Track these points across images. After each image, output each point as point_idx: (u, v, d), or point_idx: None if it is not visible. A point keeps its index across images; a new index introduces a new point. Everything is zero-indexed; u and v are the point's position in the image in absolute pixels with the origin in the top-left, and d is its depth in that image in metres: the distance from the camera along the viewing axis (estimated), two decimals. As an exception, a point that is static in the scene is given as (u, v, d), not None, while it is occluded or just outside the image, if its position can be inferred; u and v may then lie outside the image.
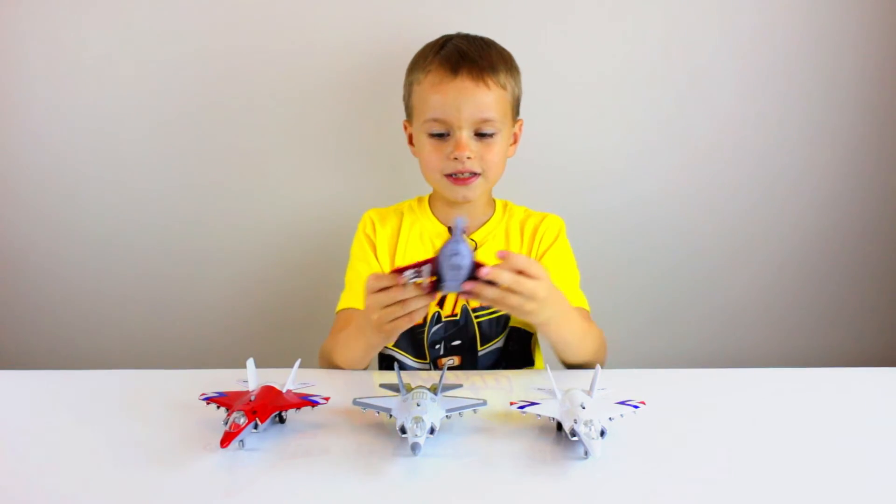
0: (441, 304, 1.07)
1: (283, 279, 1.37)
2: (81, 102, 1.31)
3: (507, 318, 1.08)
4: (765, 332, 1.43)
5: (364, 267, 1.11)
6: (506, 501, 0.62)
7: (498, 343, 1.08)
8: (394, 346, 1.08)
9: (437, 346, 1.06)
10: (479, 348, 1.07)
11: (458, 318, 1.07)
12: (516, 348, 1.10)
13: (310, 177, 1.35)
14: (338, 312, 1.09)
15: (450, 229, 0.79)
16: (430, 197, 1.16)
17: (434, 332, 1.07)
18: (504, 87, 1.05)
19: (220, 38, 1.29)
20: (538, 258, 1.11)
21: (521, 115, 1.12)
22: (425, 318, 1.06)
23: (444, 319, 1.07)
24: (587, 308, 1.09)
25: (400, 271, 0.76)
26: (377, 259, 1.11)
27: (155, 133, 1.32)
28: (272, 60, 1.29)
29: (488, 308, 1.06)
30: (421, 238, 1.12)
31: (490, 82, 1.03)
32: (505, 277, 0.77)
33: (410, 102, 1.09)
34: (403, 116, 1.13)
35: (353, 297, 1.09)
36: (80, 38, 1.28)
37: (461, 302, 1.06)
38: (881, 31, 1.31)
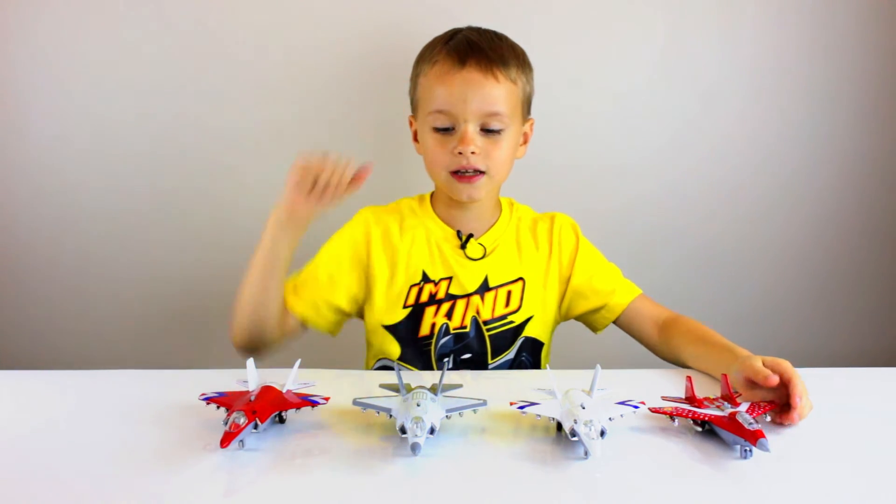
0: (449, 315, 1.03)
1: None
2: (80, 102, 1.31)
3: (519, 328, 1.05)
4: (765, 333, 1.43)
5: (326, 274, 1.04)
6: (506, 501, 0.62)
7: (509, 355, 1.05)
8: (399, 359, 1.05)
9: (446, 360, 1.03)
10: (489, 361, 1.04)
11: (467, 329, 1.03)
12: (528, 359, 1.06)
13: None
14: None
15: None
16: (433, 196, 1.11)
17: (442, 345, 1.03)
18: (514, 82, 1.00)
19: (218, 36, 1.29)
20: (566, 266, 1.08)
21: (532, 115, 1.08)
22: (432, 330, 1.04)
23: (452, 332, 1.03)
24: (639, 291, 1.08)
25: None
26: (353, 263, 1.05)
27: (154, 133, 1.32)
28: (272, 57, 1.30)
29: (501, 319, 1.04)
30: (427, 242, 1.07)
31: (499, 75, 0.98)
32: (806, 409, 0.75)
33: (416, 96, 1.05)
34: (407, 112, 1.09)
35: (297, 291, 1.03)
36: (80, 37, 1.28)
37: (470, 313, 1.03)
38: (883, 34, 1.32)
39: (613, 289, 1.08)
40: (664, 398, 0.78)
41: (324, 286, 1.05)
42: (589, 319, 1.11)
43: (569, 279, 1.09)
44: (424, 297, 1.04)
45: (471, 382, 0.86)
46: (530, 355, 1.07)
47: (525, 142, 1.07)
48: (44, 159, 1.33)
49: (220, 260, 1.38)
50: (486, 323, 1.03)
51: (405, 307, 1.05)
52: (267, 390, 0.73)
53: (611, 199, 1.37)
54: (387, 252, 1.06)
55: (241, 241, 1.37)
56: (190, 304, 1.40)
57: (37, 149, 1.33)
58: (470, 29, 1.05)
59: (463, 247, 1.06)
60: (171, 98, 1.31)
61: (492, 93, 0.97)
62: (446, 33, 1.05)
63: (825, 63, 1.33)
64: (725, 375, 0.78)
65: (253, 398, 0.71)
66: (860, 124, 1.36)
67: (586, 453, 0.66)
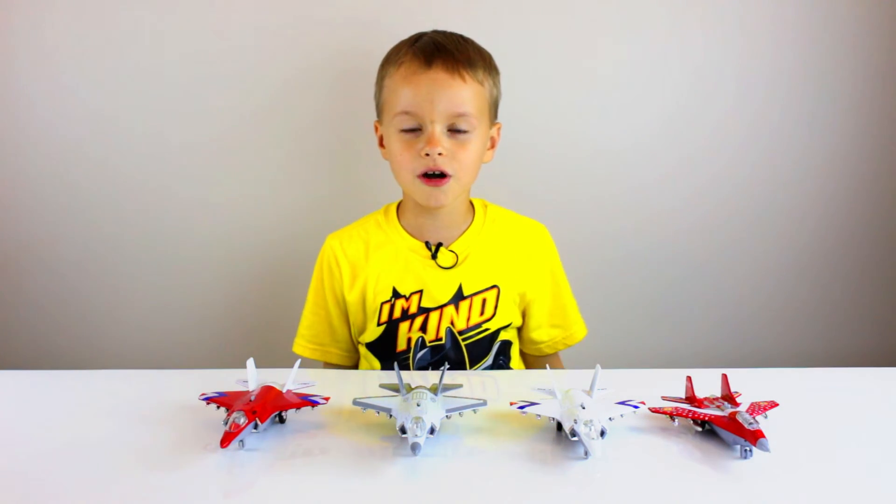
0: (424, 328, 1.03)
1: (283, 279, 1.37)
2: (80, 102, 1.31)
3: (494, 335, 1.05)
4: (765, 333, 1.43)
5: (315, 315, 1.09)
6: (506, 501, 0.62)
7: (488, 361, 1.05)
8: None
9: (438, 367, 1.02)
10: (468, 369, 1.04)
11: (443, 341, 1.03)
12: (505, 361, 1.07)
13: (306, 176, 1.35)
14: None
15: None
16: (400, 206, 1.10)
17: (420, 358, 1.03)
18: (481, 84, 1.00)
19: (211, 41, 1.29)
20: (539, 275, 1.08)
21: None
22: (408, 344, 1.03)
23: (428, 344, 1.03)
24: (585, 332, 1.13)
25: None
26: (334, 298, 1.08)
27: (153, 133, 1.32)
28: (264, 60, 1.30)
29: (477, 328, 1.04)
30: (396, 258, 1.05)
31: (466, 76, 0.97)
32: None
33: (381, 98, 1.03)
34: (373, 118, 1.09)
35: (301, 342, 1.10)
36: (80, 37, 1.28)
37: (444, 325, 1.03)
38: (882, 32, 1.32)
39: (566, 325, 1.12)
40: (664, 398, 0.78)
41: (322, 332, 1.10)
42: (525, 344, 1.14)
43: (527, 296, 1.09)
44: (397, 313, 1.04)
45: (470, 382, 0.87)
46: (506, 357, 1.07)
47: (492, 146, 1.07)
48: (44, 159, 1.33)
49: (220, 259, 1.38)
50: (461, 333, 1.03)
51: (379, 325, 1.05)
52: (267, 390, 0.73)
53: (608, 198, 1.36)
54: (355, 278, 1.06)
55: (241, 239, 1.38)
56: (190, 304, 1.40)
57: (37, 149, 1.33)
58: (436, 32, 1.04)
59: (434, 257, 1.04)
60: (169, 98, 1.31)
61: (459, 93, 0.97)
62: (412, 36, 1.04)
63: (823, 59, 1.33)
64: (725, 375, 0.78)
65: (253, 398, 0.71)
66: (859, 122, 1.35)
67: (586, 453, 0.66)
